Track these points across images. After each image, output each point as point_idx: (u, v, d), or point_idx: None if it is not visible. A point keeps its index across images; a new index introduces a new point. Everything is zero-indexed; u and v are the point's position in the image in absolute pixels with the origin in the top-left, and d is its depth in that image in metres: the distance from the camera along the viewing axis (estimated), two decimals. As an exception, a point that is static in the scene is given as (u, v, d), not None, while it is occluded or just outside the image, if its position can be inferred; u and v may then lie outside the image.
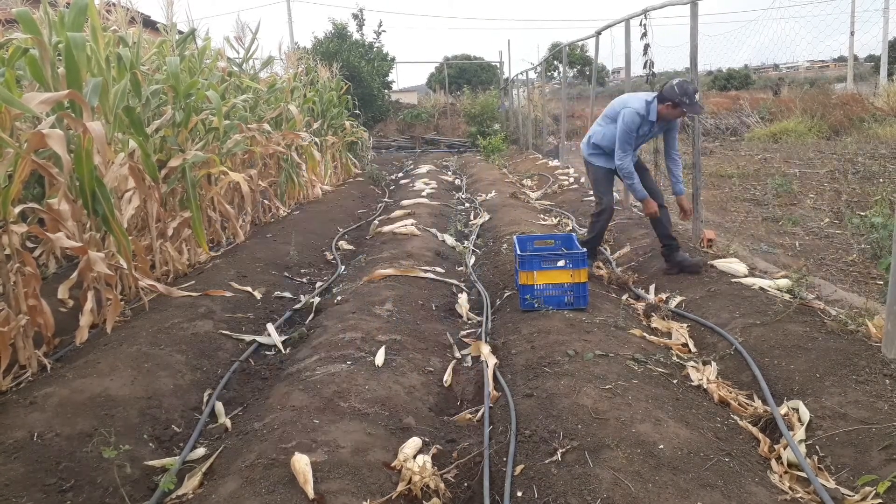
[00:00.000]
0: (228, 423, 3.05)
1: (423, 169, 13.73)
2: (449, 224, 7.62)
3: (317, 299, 4.94)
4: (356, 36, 19.32)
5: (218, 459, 2.69)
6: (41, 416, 2.82)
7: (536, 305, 4.16)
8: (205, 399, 3.31)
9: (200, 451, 2.82)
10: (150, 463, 2.70)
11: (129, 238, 4.30)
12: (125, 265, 4.22)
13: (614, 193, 8.37)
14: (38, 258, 5.12)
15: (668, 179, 5.27)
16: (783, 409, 2.88)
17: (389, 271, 5.18)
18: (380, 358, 3.50)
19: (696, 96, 4.58)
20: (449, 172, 13.99)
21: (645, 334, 3.88)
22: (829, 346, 3.32)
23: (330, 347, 3.66)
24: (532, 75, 19.52)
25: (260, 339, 4.11)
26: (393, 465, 2.54)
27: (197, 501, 2.42)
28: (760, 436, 2.76)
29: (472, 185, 11.51)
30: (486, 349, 3.69)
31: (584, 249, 4.38)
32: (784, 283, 4.35)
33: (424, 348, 3.87)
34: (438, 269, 5.52)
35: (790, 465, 2.52)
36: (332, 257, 6.52)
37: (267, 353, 4.01)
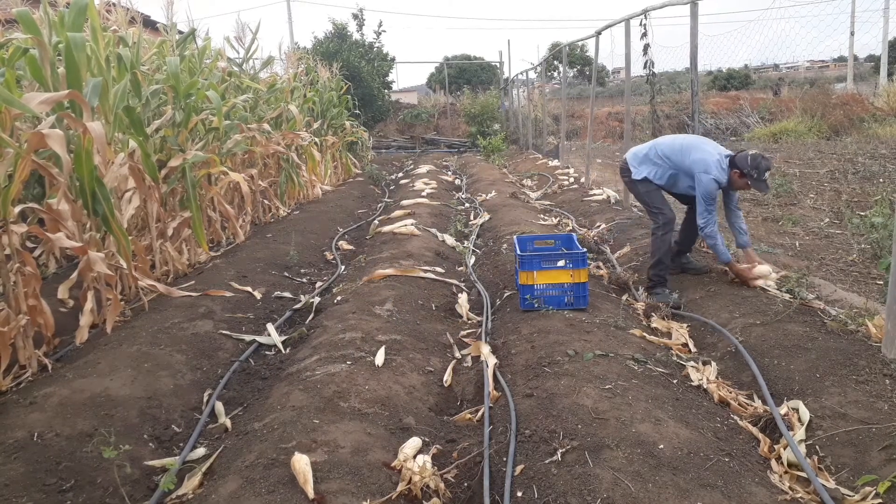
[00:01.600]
0: (228, 423, 3.05)
1: (423, 169, 13.73)
2: (449, 224, 7.62)
3: (317, 299, 4.94)
4: (356, 36, 19.31)
5: (218, 459, 2.69)
6: (41, 416, 2.82)
7: (536, 305, 4.16)
8: (205, 399, 3.31)
9: (200, 451, 2.82)
10: (150, 463, 2.70)
11: (129, 238, 4.30)
12: (125, 265, 4.22)
13: (614, 193, 8.43)
14: (38, 258, 5.12)
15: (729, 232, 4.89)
16: (783, 409, 2.88)
17: (389, 271, 5.18)
18: (380, 358, 3.50)
19: (767, 174, 4.30)
20: (449, 172, 13.99)
21: (645, 334, 3.88)
22: (829, 346, 3.33)
23: (330, 347, 3.66)
24: (532, 75, 19.55)
25: (260, 339, 4.11)
26: (393, 465, 2.54)
27: (197, 501, 2.42)
28: (760, 436, 2.76)
29: (472, 185, 11.51)
30: (486, 349, 3.69)
31: (584, 249, 4.37)
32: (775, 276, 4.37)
33: (424, 348, 3.87)
34: (438, 269, 5.52)
35: (790, 464, 2.52)
36: (332, 257, 6.52)
37: (267, 353, 4.01)
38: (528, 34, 69.12)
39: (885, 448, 2.47)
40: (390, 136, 21.25)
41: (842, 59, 27.15)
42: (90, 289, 3.90)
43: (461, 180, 12.69)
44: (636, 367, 3.24)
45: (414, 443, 2.70)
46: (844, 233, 6.13)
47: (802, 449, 2.60)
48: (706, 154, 4.48)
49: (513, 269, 4.77)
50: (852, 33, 20.43)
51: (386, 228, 7.04)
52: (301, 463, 2.41)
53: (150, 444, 2.84)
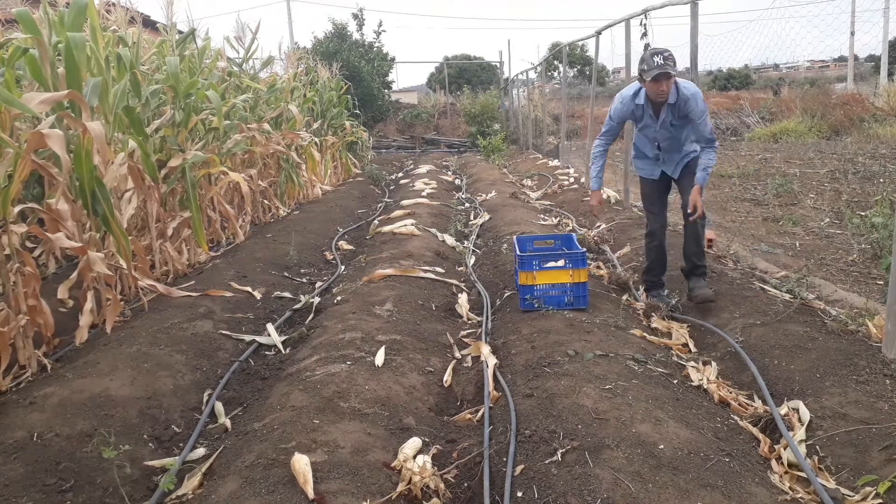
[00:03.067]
0: (228, 423, 3.05)
1: (423, 169, 13.73)
2: (449, 224, 7.62)
3: (317, 299, 4.94)
4: (356, 36, 19.32)
5: (218, 459, 2.69)
6: (41, 416, 2.81)
7: (536, 305, 4.16)
8: (205, 399, 3.31)
9: (200, 451, 2.82)
10: (150, 463, 2.70)
11: (129, 238, 4.30)
12: (125, 265, 4.22)
13: (614, 193, 8.42)
14: (38, 258, 5.12)
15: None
16: (783, 410, 2.88)
17: (389, 271, 5.18)
18: (380, 358, 3.50)
19: (656, 59, 3.83)
20: (449, 172, 13.99)
21: (645, 334, 3.88)
22: (829, 346, 3.32)
23: (330, 347, 3.66)
24: (532, 75, 19.54)
25: (260, 339, 4.11)
26: (393, 465, 2.54)
27: (197, 501, 2.42)
28: (761, 436, 2.76)
29: (472, 185, 11.51)
30: (486, 349, 3.69)
31: (584, 249, 4.37)
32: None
33: (424, 348, 3.87)
34: (438, 269, 5.52)
35: (790, 465, 2.52)
36: (332, 257, 6.52)
37: (267, 353, 4.00)
38: (528, 34, 69.32)
39: (885, 448, 2.47)
40: (390, 136, 21.23)
41: (842, 59, 27.15)
42: (90, 289, 3.90)
43: (461, 180, 12.68)
44: (636, 368, 3.24)
45: (414, 443, 2.69)
46: (844, 233, 6.12)
47: (802, 449, 2.60)
48: (627, 87, 4.39)
49: (513, 269, 4.76)
50: (852, 33, 20.41)
51: (386, 228, 7.04)
52: (301, 463, 2.40)
53: (150, 444, 2.84)
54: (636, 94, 4.17)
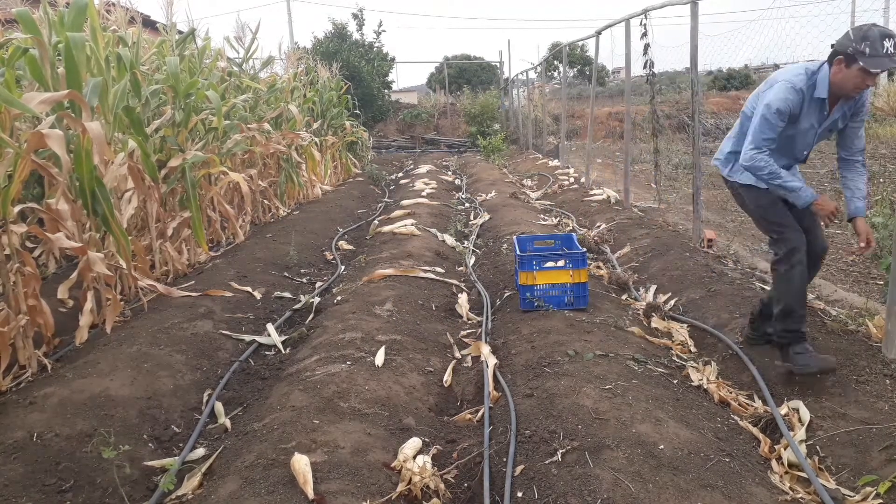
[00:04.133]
0: (228, 423, 3.05)
1: (423, 169, 13.73)
2: (449, 224, 7.62)
3: (317, 299, 4.94)
4: (356, 36, 19.33)
5: (218, 460, 2.69)
6: (41, 416, 2.81)
7: (537, 305, 4.16)
8: (205, 399, 3.31)
9: (200, 451, 2.82)
10: (150, 463, 2.70)
11: (129, 238, 4.30)
12: (125, 265, 4.22)
13: (614, 193, 8.42)
14: (38, 258, 5.12)
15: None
16: (784, 410, 2.88)
17: (389, 271, 5.18)
18: (380, 358, 3.50)
19: (887, 45, 2.74)
20: (449, 172, 13.98)
21: (645, 334, 3.88)
22: (829, 346, 3.32)
23: (330, 347, 3.66)
24: (532, 75, 19.55)
25: (260, 339, 4.11)
26: (393, 465, 2.54)
27: (196, 502, 2.42)
28: (761, 436, 2.76)
29: (472, 185, 11.51)
30: (486, 349, 3.69)
31: (584, 249, 4.36)
32: None
33: (424, 348, 3.87)
34: (438, 269, 5.51)
35: (791, 465, 2.52)
36: (332, 257, 6.52)
37: (267, 353, 4.00)
38: (528, 34, 69.15)
39: (885, 448, 2.47)
40: (390, 136, 21.22)
41: (842, 59, 27.06)
42: (90, 289, 3.90)
43: (461, 180, 12.68)
44: (636, 368, 3.24)
45: (414, 443, 2.70)
46: (845, 233, 6.13)
47: (803, 449, 2.60)
48: (786, 70, 3.14)
49: (513, 269, 4.76)
50: (852, 33, 20.38)
51: (386, 228, 7.04)
52: (301, 463, 2.40)
53: (150, 444, 2.84)
54: (812, 81, 3.00)
